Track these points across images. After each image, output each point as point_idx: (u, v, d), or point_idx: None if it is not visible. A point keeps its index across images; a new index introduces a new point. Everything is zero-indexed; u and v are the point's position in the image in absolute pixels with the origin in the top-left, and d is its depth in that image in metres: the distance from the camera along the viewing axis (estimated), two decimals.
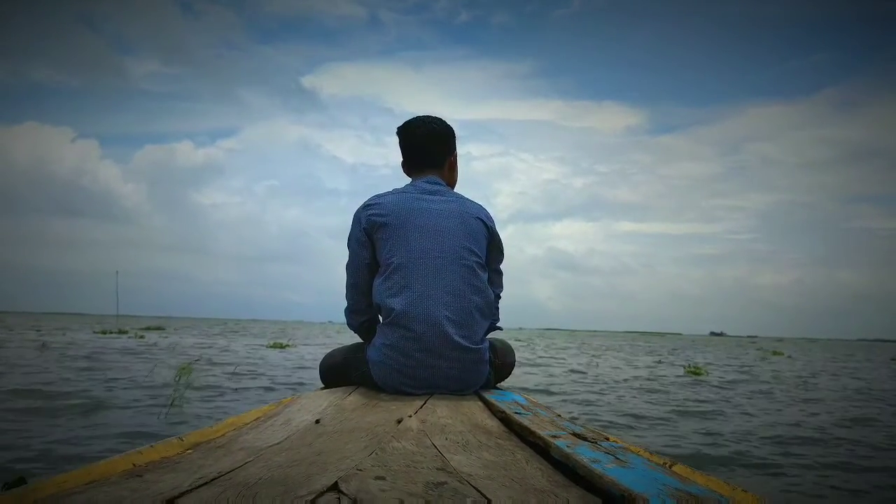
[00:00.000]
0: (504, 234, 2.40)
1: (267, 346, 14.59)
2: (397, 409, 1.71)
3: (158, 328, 28.27)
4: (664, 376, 9.70)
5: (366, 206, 2.23)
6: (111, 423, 3.92)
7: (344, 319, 2.44)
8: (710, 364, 13.58)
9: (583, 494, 0.88)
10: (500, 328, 2.39)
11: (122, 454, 1.03)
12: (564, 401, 5.90)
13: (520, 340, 28.09)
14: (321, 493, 0.82)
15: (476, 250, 2.20)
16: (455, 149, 2.41)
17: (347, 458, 1.06)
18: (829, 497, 2.94)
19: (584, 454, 1.04)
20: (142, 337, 17.78)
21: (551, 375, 8.83)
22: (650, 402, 6.07)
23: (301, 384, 6.59)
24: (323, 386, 2.42)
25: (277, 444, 1.22)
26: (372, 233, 2.19)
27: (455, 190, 2.40)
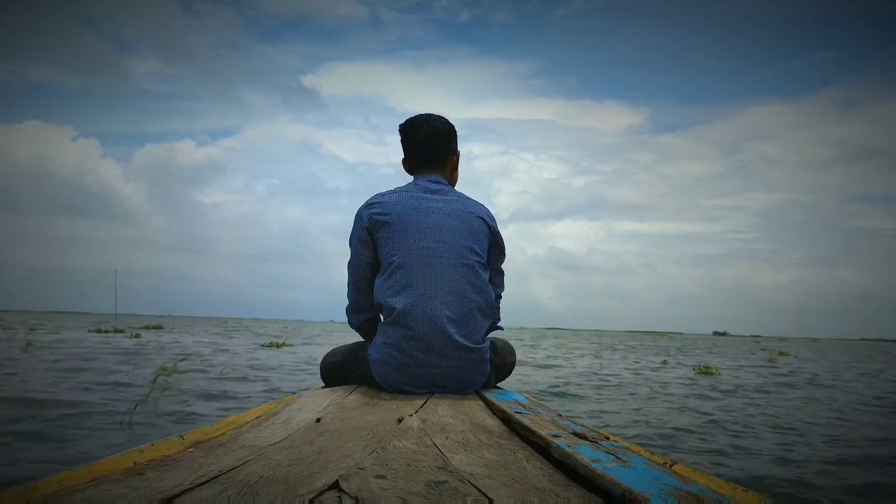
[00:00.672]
0: (505, 233, 2.40)
1: (263, 346, 14.35)
2: (398, 408, 1.71)
3: (157, 327, 28.06)
4: (679, 379, 9.12)
5: (368, 205, 2.23)
6: (52, 437, 3.43)
7: (345, 318, 2.44)
8: (719, 365, 13.08)
9: (583, 494, 0.88)
10: (500, 328, 2.39)
11: (123, 452, 1.03)
12: (591, 413, 5.25)
13: (521, 340, 27.93)
14: (322, 492, 0.82)
15: (478, 250, 2.20)
16: (457, 148, 2.41)
17: (348, 456, 1.06)
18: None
19: (584, 453, 1.04)
20: (138, 336, 17.47)
21: (562, 379, 8.30)
22: (671, 408, 5.65)
23: (283, 390, 6.11)
24: (324, 384, 2.42)
25: (278, 442, 1.22)
26: (374, 232, 2.19)
27: (456, 189, 2.40)
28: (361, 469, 0.96)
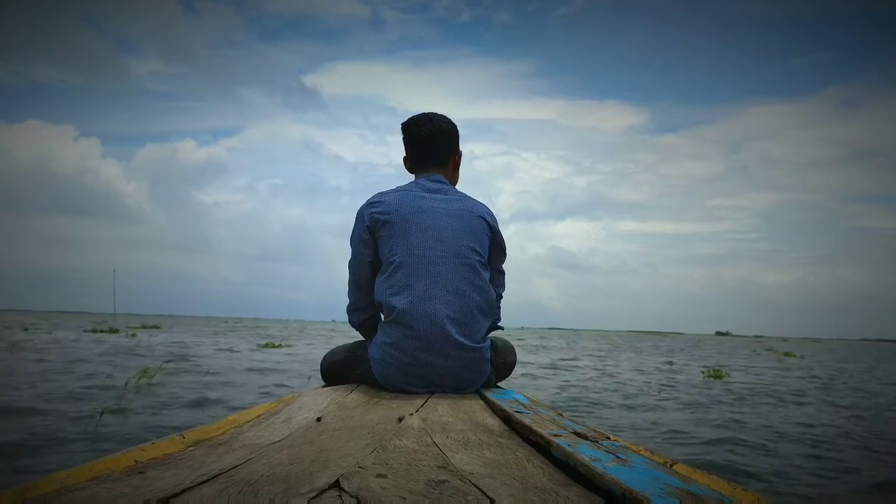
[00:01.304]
0: (506, 233, 2.40)
1: (259, 347, 14.10)
2: (398, 407, 1.71)
3: (154, 327, 27.84)
4: (692, 383, 8.72)
5: (369, 204, 2.23)
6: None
7: (346, 318, 2.44)
8: (727, 367, 12.78)
9: (584, 493, 0.88)
10: (501, 327, 2.39)
11: (124, 451, 1.03)
12: (612, 426, 4.83)
13: (521, 340, 27.78)
14: (323, 491, 0.82)
15: (478, 249, 2.20)
16: (459, 147, 2.41)
17: (349, 455, 1.06)
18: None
19: (585, 453, 1.05)
20: (133, 335, 17.27)
21: (575, 384, 7.83)
22: (689, 415, 5.37)
23: (274, 394, 5.75)
24: (324, 383, 2.43)
25: (279, 441, 1.22)
26: (375, 231, 2.19)
27: (457, 188, 2.40)
28: (362, 468, 0.96)
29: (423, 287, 2.09)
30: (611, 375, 9.65)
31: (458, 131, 2.40)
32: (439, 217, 2.17)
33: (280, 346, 14.31)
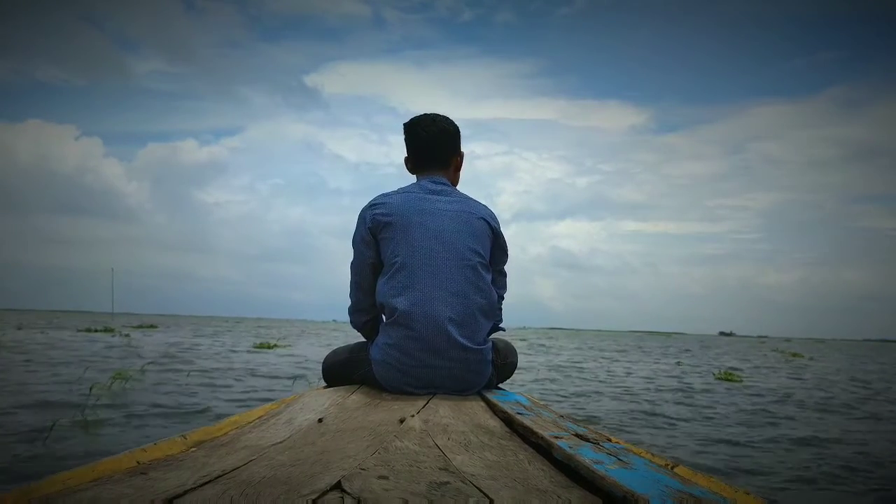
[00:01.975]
0: (507, 233, 2.40)
1: (254, 347, 13.73)
2: (400, 408, 1.71)
3: (151, 326, 27.47)
4: (706, 387, 8.23)
5: (371, 206, 2.23)
6: None
7: (348, 319, 2.44)
8: (736, 368, 12.32)
9: (585, 495, 0.88)
10: (502, 329, 2.39)
11: (126, 452, 1.04)
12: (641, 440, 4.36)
13: (523, 341, 27.57)
14: (324, 492, 0.82)
15: (480, 251, 2.20)
16: (460, 148, 2.41)
17: (350, 457, 1.07)
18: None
19: (586, 455, 1.05)
20: (127, 335, 16.91)
21: (592, 395, 6.99)
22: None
23: (253, 402, 5.23)
24: (325, 385, 2.43)
25: (280, 442, 1.22)
26: (376, 232, 2.19)
27: (458, 189, 2.40)
28: (364, 469, 0.96)
29: (425, 288, 2.09)
30: (649, 379, 9.13)
31: (459, 132, 2.40)
32: (441, 218, 2.18)
33: (274, 346, 13.92)
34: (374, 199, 2.25)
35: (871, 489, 3.25)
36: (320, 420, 1.48)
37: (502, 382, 2.40)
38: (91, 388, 4.82)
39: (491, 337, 2.30)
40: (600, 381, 8.66)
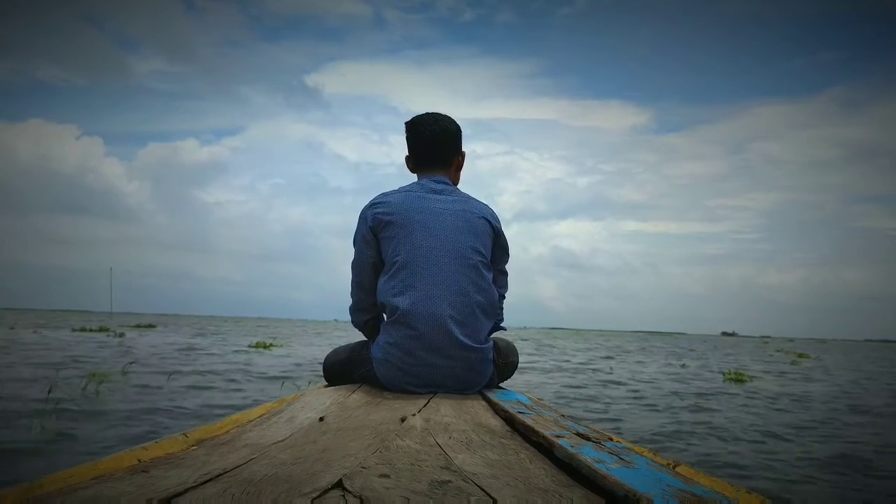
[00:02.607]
0: (508, 232, 2.40)
1: (250, 347, 13.34)
2: (401, 407, 1.71)
3: (148, 326, 27.19)
4: (720, 391, 7.72)
5: (372, 205, 2.23)
6: None
7: (349, 318, 2.44)
8: (745, 369, 11.83)
9: (586, 494, 0.88)
10: (503, 328, 2.39)
11: (127, 450, 1.04)
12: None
13: (525, 340, 27.40)
14: (326, 491, 0.82)
15: (481, 250, 2.20)
16: (462, 148, 2.41)
17: (352, 455, 1.06)
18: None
19: (587, 454, 1.04)
20: (121, 335, 16.54)
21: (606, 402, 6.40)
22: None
23: (236, 406, 4.75)
24: (326, 383, 2.43)
25: (281, 441, 1.22)
26: (378, 231, 2.19)
27: (459, 188, 2.39)
28: (365, 468, 0.96)
29: (426, 287, 2.09)
30: (681, 381, 8.64)
31: (461, 132, 2.40)
32: (442, 218, 2.18)
33: (270, 346, 13.59)
34: (375, 199, 2.25)
35: None
36: (321, 419, 1.48)
37: (503, 381, 2.40)
38: (49, 391, 4.33)
39: (492, 336, 2.30)
40: (634, 393, 7.52)
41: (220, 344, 14.84)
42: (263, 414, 1.60)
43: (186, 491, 0.81)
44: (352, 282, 2.34)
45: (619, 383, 8.54)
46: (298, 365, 8.83)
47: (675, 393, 7.52)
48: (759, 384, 9.25)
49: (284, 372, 7.92)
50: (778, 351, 28.15)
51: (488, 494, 0.83)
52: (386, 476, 0.91)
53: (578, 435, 1.25)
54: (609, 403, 6.21)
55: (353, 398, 1.91)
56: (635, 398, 6.85)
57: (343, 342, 2.66)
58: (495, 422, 1.55)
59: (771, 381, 9.99)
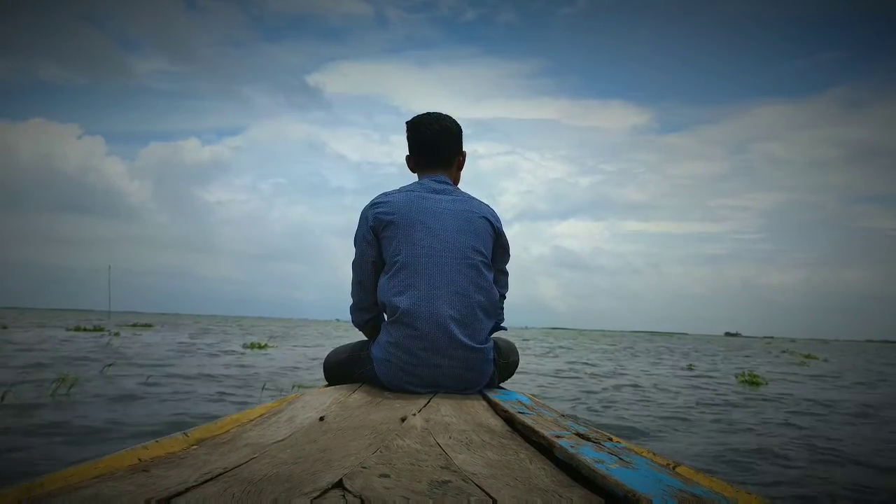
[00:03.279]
0: (510, 232, 2.40)
1: (244, 347, 12.86)
2: (401, 407, 1.72)
3: (146, 325, 26.66)
4: (745, 397, 7.04)
5: (373, 204, 2.23)
6: None
7: (350, 317, 2.44)
8: (755, 370, 11.13)
9: (586, 495, 0.88)
10: (504, 328, 2.39)
11: (127, 449, 1.04)
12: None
13: (525, 340, 27.20)
14: (326, 491, 0.82)
15: (482, 249, 2.20)
16: (463, 148, 2.41)
17: (352, 455, 1.07)
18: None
19: (587, 454, 1.05)
20: (116, 334, 16.21)
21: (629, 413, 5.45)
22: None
23: (210, 414, 4.19)
24: (327, 383, 2.43)
25: (282, 440, 1.22)
26: (378, 231, 2.19)
27: (460, 188, 2.40)
28: (365, 468, 0.96)
29: (427, 287, 2.09)
30: (705, 388, 7.69)
31: (462, 132, 2.40)
32: (443, 218, 2.18)
33: (265, 346, 13.14)
34: (376, 198, 2.25)
35: None
36: (322, 418, 1.49)
37: (503, 381, 2.40)
38: (3, 397, 3.96)
39: (492, 336, 2.30)
40: (662, 406, 6.26)
41: (214, 344, 14.28)
42: (264, 413, 1.60)
43: (187, 490, 0.81)
44: (352, 281, 2.34)
45: (641, 391, 7.51)
46: (294, 368, 8.41)
47: (700, 403, 6.48)
48: (779, 388, 8.43)
49: (274, 375, 7.41)
50: (784, 352, 27.51)
51: (488, 494, 0.83)
52: (386, 476, 0.91)
53: (578, 435, 1.25)
54: (637, 415, 5.43)
55: (353, 398, 1.91)
56: (663, 412, 5.81)
57: (342, 342, 2.65)
58: (495, 422, 1.56)
59: (792, 385, 9.07)
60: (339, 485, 0.85)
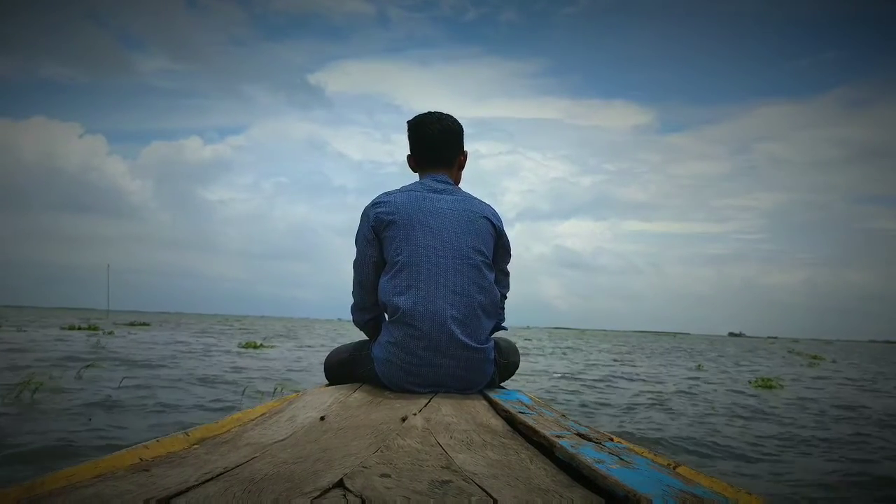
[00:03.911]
0: (511, 232, 2.39)
1: (239, 347, 12.55)
2: (402, 406, 1.72)
3: (143, 324, 26.26)
4: (770, 404, 6.30)
5: (374, 204, 2.23)
6: None
7: (351, 317, 2.44)
8: (766, 372, 10.84)
9: (587, 495, 0.88)
10: (505, 328, 2.39)
11: (128, 448, 1.04)
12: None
13: (528, 340, 27.03)
14: (327, 490, 0.82)
15: (483, 249, 2.20)
16: (464, 147, 2.41)
17: (353, 455, 1.07)
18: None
19: (588, 454, 1.05)
20: (110, 333, 15.86)
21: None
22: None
23: (188, 421, 3.73)
24: (328, 383, 2.43)
25: (283, 440, 1.22)
26: (379, 230, 2.19)
27: (462, 187, 2.39)
28: (366, 468, 0.96)
29: (428, 287, 2.09)
30: (735, 393, 7.11)
31: (463, 131, 2.40)
32: (444, 217, 2.18)
33: (260, 346, 12.84)
34: (378, 198, 2.25)
35: None
36: (322, 418, 1.49)
37: (504, 381, 2.40)
38: None
39: (493, 336, 2.30)
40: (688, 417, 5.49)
41: (210, 344, 13.80)
42: (264, 413, 1.60)
43: (188, 490, 0.81)
44: (353, 281, 2.34)
45: (661, 398, 6.75)
46: (289, 370, 8.04)
47: (735, 406, 6.04)
48: (795, 391, 7.88)
49: (266, 377, 7.00)
50: (789, 352, 26.87)
51: (489, 494, 0.83)
52: (387, 476, 0.91)
53: (579, 435, 1.25)
54: (660, 428, 4.75)
55: (354, 397, 1.91)
56: (690, 419, 5.27)
57: (342, 342, 2.64)
58: (496, 422, 1.56)
59: (808, 388, 8.56)
60: (339, 484, 0.85)
